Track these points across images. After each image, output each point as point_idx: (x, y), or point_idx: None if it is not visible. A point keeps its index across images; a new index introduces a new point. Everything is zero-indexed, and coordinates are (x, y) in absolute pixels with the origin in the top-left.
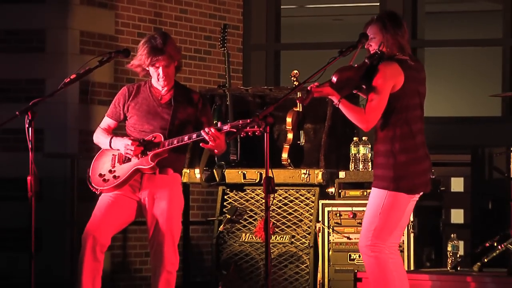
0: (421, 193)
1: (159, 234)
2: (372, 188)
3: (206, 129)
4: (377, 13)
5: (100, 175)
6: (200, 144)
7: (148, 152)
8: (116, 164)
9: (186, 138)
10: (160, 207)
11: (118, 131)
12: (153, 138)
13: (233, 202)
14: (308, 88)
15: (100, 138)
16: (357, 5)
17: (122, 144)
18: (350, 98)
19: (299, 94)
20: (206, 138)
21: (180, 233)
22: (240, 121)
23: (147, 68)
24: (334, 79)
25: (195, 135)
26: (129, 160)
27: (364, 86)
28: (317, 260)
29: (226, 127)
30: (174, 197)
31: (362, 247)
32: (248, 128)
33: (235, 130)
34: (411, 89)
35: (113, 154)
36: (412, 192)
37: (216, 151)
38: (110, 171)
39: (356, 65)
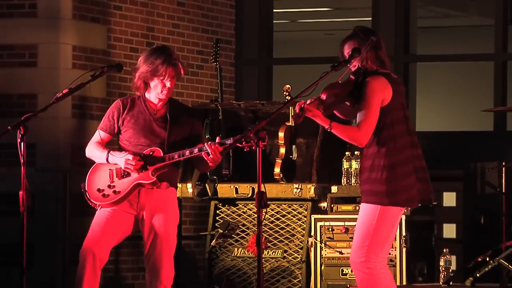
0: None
1: (156, 248)
2: (362, 204)
3: (210, 143)
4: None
5: (99, 190)
6: (202, 154)
7: (148, 167)
8: (115, 179)
9: (187, 152)
10: (157, 222)
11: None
12: (151, 152)
13: (225, 216)
14: (299, 105)
15: (94, 152)
16: (349, 20)
17: (122, 159)
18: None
19: (291, 112)
20: (209, 151)
21: (175, 247)
22: (238, 136)
23: (153, 78)
24: (323, 96)
25: (196, 149)
26: (128, 174)
27: (349, 102)
28: (310, 275)
29: (229, 141)
30: (171, 212)
31: (355, 263)
32: (244, 143)
33: (233, 144)
34: (398, 102)
35: (109, 169)
36: (403, 205)
37: (211, 164)
38: (109, 186)
39: (342, 82)
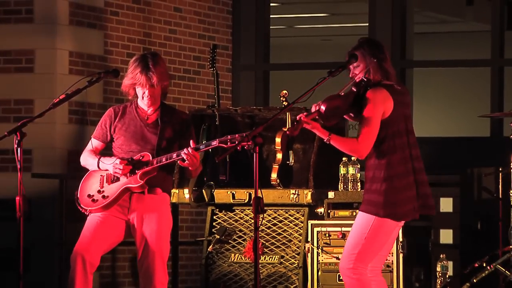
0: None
1: (149, 254)
2: (359, 212)
3: (185, 148)
4: (366, 33)
5: (89, 195)
6: (178, 162)
7: (137, 171)
8: (104, 184)
9: (174, 155)
10: (149, 227)
11: (106, 151)
12: (141, 157)
13: (222, 222)
14: (297, 118)
15: (87, 160)
16: (345, 26)
17: (110, 164)
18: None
19: (288, 118)
20: (184, 157)
21: (169, 253)
22: (224, 137)
23: (135, 87)
24: (323, 108)
25: (175, 154)
26: (117, 179)
27: (352, 114)
28: (306, 280)
29: (214, 143)
30: (163, 217)
31: (343, 269)
32: (229, 143)
33: (232, 149)
34: (400, 114)
35: (101, 175)
36: (400, 219)
37: (191, 168)
38: (99, 191)
39: (343, 93)
